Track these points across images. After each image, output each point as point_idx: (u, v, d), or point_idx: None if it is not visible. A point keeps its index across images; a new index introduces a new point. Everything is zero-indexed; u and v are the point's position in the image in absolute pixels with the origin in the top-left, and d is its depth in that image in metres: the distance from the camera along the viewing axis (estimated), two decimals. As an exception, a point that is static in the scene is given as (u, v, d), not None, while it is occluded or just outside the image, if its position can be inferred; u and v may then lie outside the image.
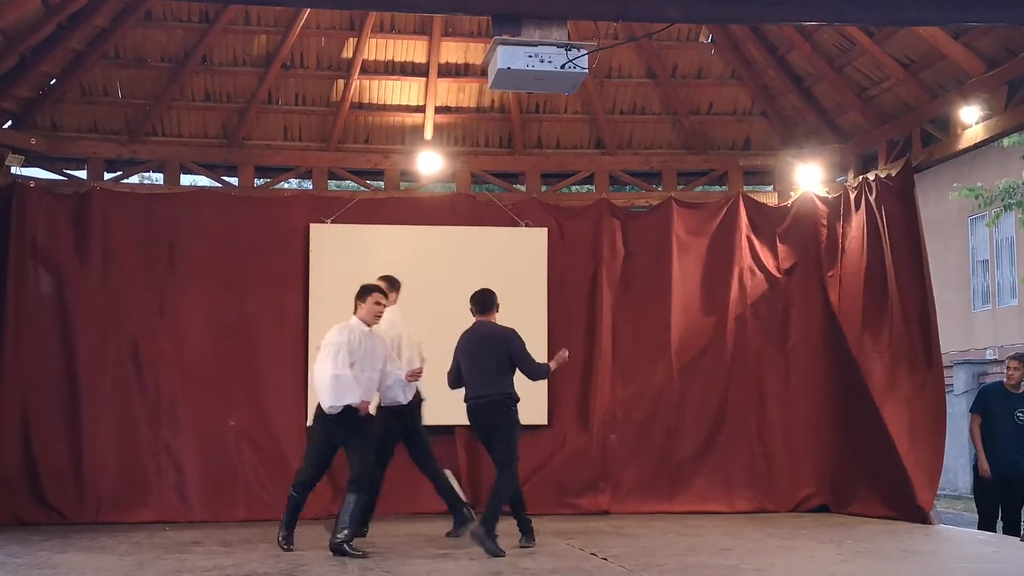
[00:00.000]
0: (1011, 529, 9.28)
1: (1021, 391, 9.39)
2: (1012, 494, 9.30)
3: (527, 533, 8.00)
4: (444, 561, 7.30)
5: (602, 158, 11.71)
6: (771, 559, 7.51)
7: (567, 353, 8.20)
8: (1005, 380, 9.50)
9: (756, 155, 11.74)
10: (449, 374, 8.19)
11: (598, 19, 8.04)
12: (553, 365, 8.14)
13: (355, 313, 7.96)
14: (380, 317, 8.05)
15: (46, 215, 10.28)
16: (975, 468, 9.45)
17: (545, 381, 10.68)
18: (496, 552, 7.41)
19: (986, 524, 9.37)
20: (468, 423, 8.26)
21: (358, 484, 7.67)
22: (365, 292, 8.00)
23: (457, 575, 6.95)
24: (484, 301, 8.15)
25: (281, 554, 7.63)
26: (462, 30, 11.00)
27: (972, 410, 9.53)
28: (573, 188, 14.32)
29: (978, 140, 9.46)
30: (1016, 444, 9.33)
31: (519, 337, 8.01)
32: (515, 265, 10.76)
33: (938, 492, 9.85)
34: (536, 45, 6.63)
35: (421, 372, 8.30)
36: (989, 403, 9.46)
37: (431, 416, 9.63)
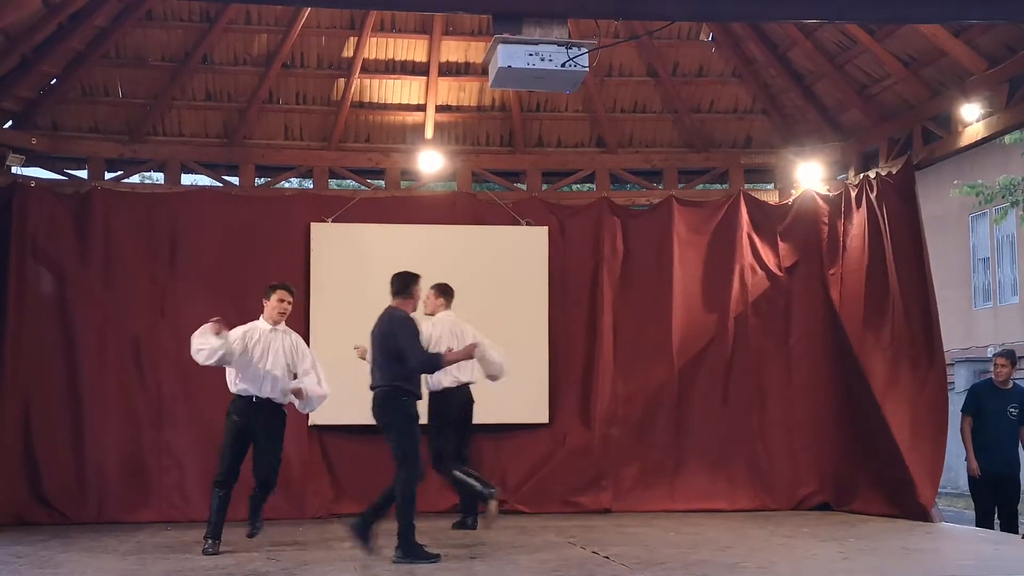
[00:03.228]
0: (1007, 526, 9.29)
1: (1011, 387, 9.41)
2: (1006, 490, 9.31)
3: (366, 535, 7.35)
4: (445, 560, 7.29)
5: (603, 156, 11.71)
6: (773, 557, 7.52)
7: (476, 347, 7.80)
8: (994, 377, 9.52)
9: (757, 153, 11.74)
10: None
11: (598, 17, 8.03)
12: (451, 357, 7.60)
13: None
14: (284, 316, 8.09)
15: (47, 215, 10.28)
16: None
17: (546, 379, 10.74)
18: (371, 551, 7.18)
19: (984, 520, 9.39)
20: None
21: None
22: (270, 291, 8.09)
23: (458, 574, 6.95)
24: (394, 283, 7.56)
25: (282, 553, 7.61)
26: (463, 29, 11.00)
27: (963, 410, 9.53)
28: (574, 187, 14.32)
29: (979, 137, 9.47)
30: (1009, 440, 9.35)
31: (407, 324, 7.40)
32: (516, 264, 10.77)
33: (940, 490, 9.85)
34: (537, 43, 6.63)
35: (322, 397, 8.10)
36: (980, 402, 9.48)
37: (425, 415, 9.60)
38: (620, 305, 11.03)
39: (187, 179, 11.61)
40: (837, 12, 7.66)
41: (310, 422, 10.35)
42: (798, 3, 7.42)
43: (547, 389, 10.79)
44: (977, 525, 9.42)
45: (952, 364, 16.58)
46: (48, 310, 10.18)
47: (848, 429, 10.58)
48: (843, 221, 10.77)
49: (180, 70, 10.71)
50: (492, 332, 8.74)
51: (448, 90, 11.36)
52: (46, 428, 9.94)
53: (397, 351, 7.26)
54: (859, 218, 10.51)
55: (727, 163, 11.75)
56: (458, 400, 8.96)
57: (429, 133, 11.38)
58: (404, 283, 7.57)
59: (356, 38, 10.85)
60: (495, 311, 9.99)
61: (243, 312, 10.38)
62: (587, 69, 6.80)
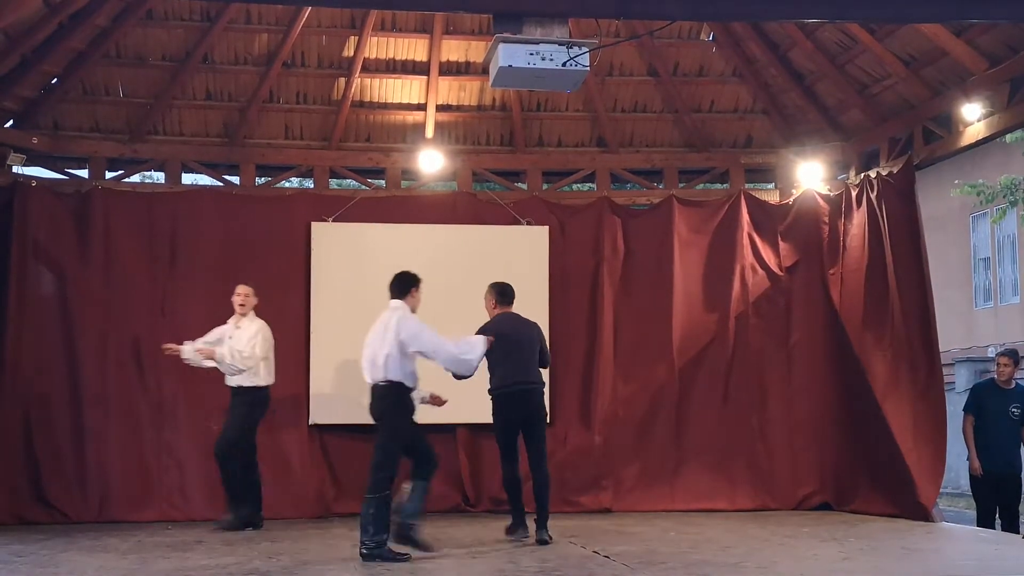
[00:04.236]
0: (1008, 525, 9.29)
1: (1013, 387, 9.41)
2: (1008, 490, 9.31)
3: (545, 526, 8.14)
4: (446, 559, 7.30)
5: (603, 156, 11.71)
6: (773, 556, 7.51)
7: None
8: (996, 376, 9.51)
9: (758, 153, 11.74)
10: None
11: (599, 17, 8.04)
12: None
13: (401, 299, 7.70)
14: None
15: (48, 214, 10.28)
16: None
17: (546, 379, 10.73)
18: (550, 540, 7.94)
19: (985, 519, 9.39)
20: (492, 414, 8.39)
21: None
22: (416, 280, 7.80)
23: (459, 573, 6.95)
24: (510, 293, 8.45)
25: (283, 552, 7.61)
26: (463, 28, 11.00)
27: (965, 410, 9.54)
28: (574, 186, 14.32)
29: (980, 137, 9.46)
30: (1011, 440, 9.36)
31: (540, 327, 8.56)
32: (516, 263, 10.73)
33: (940, 490, 9.84)
34: (537, 43, 6.64)
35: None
36: (982, 401, 9.48)
37: (429, 414, 9.57)
38: (620, 305, 11.03)
39: (187, 179, 11.61)
40: (837, 12, 7.66)
41: (310, 421, 10.37)
42: (798, 3, 7.42)
43: (547, 389, 10.77)
44: (978, 525, 9.43)
45: (952, 364, 16.59)
46: (49, 310, 10.17)
47: (848, 429, 10.58)
48: (844, 221, 10.76)
49: (181, 70, 10.70)
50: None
51: (448, 89, 11.36)
52: (46, 428, 9.94)
53: (536, 352, 8.29)
54: (859, 218, 10.50)
55: (727, 163, 11.74)
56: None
57: (429, 133, 11.38)
58: (513, 293, 8.48)
59: (356, 37, 10.84)
60: (495, 311, 9.99)
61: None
62: (588, 68, 6.81)
